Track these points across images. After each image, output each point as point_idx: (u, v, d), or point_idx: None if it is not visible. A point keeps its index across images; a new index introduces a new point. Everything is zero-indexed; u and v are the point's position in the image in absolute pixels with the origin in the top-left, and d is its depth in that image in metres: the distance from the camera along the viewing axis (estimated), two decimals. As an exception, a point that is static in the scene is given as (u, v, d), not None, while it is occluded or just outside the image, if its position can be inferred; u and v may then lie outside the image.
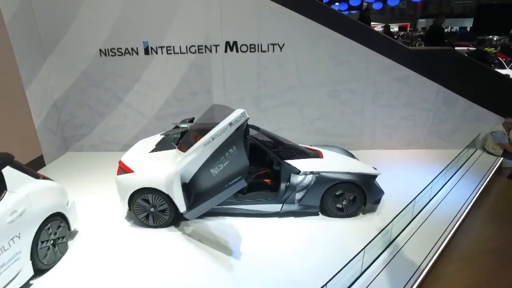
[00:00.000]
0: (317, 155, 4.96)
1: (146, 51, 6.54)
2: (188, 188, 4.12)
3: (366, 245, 3.54)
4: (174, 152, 4.52)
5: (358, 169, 4.70)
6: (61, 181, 4.19)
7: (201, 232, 4.47)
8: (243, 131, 3.53)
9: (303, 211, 4.69)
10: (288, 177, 4.58)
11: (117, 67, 6.67)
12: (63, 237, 4.04)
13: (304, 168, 4.59)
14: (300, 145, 5.29)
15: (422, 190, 4.73)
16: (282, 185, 4.59)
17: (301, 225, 4.56)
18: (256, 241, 4.25)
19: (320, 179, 4.52)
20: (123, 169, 4.54)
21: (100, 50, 6.55)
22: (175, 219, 4.59)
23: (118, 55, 6.58)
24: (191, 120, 5.37)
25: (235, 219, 4.72)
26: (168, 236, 4.41)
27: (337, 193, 4.56)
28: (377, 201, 4.83)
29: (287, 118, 6.92)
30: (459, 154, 6.01)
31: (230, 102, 6.81)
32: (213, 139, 3.64)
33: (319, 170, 4.59)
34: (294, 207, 4.64)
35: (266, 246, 4.16)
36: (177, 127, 5.13)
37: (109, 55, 6.59)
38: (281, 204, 4.63)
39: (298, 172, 4.56)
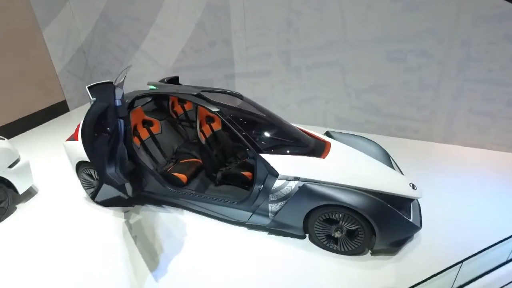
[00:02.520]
0: (320, 150, 3.29)
1: (159, -12, 5.40)
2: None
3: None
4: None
5: (377, 184, 2.91)
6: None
7: (144, 225, 3.55)
8: (93, 121, 2.21)
9: (280, 230, 3.25)
10: (263, 178, 3.13)
11: (131, 8, 5.78)
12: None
13: (287, 169, 3.05)
14: (304, 130, 3.64)
15: (500, 242, 2.69)
16: (255, 188, 3.19)
17: (270, 250, 3.17)
18: (198, 258, 3.11)
19: (304, 191, 2.94)
20: (74, 135, 3.79)
21: (114, -13, 5.70)
22: (128, 201, 3.77)
23: (131, -8, 5.63)
24: (173, 80, 4.19)
25: (195, 218, 3.61)
26: (109, 219, 3.64)
27: (332, 217, 2.94)
28: (399, 243, 3.00)
29: (325, 84, 5.09)
30: None
31: (252, 58, 5.33)
32: None
33: (308, 177, 2.98)
34: (266, 221, 3.23)
35: (204, 268, 2.99)
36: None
37: (123, -7, 5.70)
38: (250, 213, 3.28)
39: (276, 174, 3.06)
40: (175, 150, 4.08)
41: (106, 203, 3.70)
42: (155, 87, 3.84)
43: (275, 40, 5.04)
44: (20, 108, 5.65)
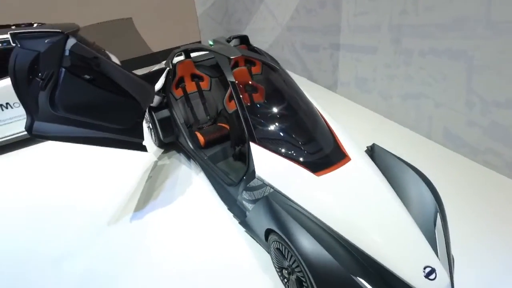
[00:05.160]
0: (326, 163, 2.47)
1: None
2: None
3: None
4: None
5: (359, 238, 2.04)
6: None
7: (164, 170, 3.81)
8: (26, 65, 2.24)
9: (250, 235, 2.78)
10: (251, 169, 2.69)
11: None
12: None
13: (266, 171, 2.51)
14: (332, 130, 2.77)
15: None
16: (244, 177, 2.80)
17: (237, 248, 2.82)
18: (175, 222, 3.15)
19: (265, 203, 2.37)
20: None
21: None
22: (168, 145, 4.09)
23: None
24: (242, 39, 3.91)
25: (206, 183, 3.54)
26: (143, 154, 3.99)
27: (281, 250, 2.27)
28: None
29: (439, 81, 3.60)
30: None
31: (359, 29, 4.34)
32: None
33: (280, 189, 2.38)
34: (243, 217, 2.81)
35: (174, 233, 3.00)
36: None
37: None
38: (234, 201, 2.95)
39: (253, 173, 2.56)
40: (219, 111, 3.97)
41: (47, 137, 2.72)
42: (212, 44, 3.75)
43: (388, 8, 3.80)
44: (159, 42, 6.69)
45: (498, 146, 3.29)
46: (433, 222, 2.23)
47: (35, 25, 4.94)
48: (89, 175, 3.85)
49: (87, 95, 2.50)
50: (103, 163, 4.01)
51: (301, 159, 2.50)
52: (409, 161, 2.59)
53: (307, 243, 1.99)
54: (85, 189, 3.63)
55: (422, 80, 3.75)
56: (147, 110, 3.84)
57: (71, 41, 2.33)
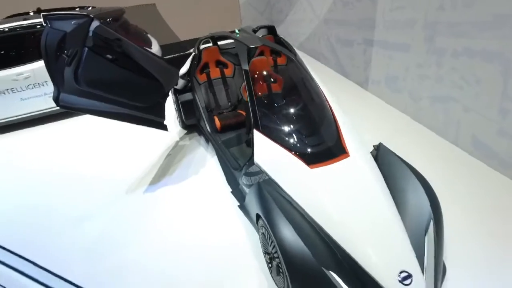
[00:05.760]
0: (323, 157, 2.47)
1: None
2: None
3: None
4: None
5: (338, 232, 2.05)
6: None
7: (182, 150, 4.05)
8: (55, 42, 2.46)
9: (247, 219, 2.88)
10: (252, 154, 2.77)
11: None
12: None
13: (264, 159, 2.58)
14: (338, 123, 2.71)
15: None
16: (247, 163, 2.90)
17: (232, 231, 2.94)
18: (184, 199, 3.35)
19: (257, 188, 2.44)
20: None
21: None
22: (191, 127, 4.31)
23: None
24: (269, 29, 3.95)
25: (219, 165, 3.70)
26: (166, 134, 4.20)
27: (265, 235, 2.34)
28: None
29: (471, 84, 3.33)
30: None
31: (393, 24, 4.17)
32: None
33: (274, 177, 2.45)
34: (241, 200, 2.92)
35: (181, 208, 3.22)
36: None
37: None
38: (237, 185, 3.07)
39: (252, 159, 2.65)
40: (240, 98, 4.07)
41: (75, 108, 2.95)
42: (238, 33, 3.84)
43: (425, 3, 3.57)
44: (200, 29, 6.91)
45: (531, 161, 3.00)
46: (424, 229, 2.15)
47: (89, 8, 5.41)
48: (115, 148, 4.22)
49: (109, 73, 2.74)
50: (129, 138, 4.35)
51: (298, 150, 2.52)
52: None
53: (285, 231, 2.04)
54: (110, 160, 3.99)
55: (453, 82, 3.51)
56: (171, 92, 4.06)
57: (95, 23, 2.57)
